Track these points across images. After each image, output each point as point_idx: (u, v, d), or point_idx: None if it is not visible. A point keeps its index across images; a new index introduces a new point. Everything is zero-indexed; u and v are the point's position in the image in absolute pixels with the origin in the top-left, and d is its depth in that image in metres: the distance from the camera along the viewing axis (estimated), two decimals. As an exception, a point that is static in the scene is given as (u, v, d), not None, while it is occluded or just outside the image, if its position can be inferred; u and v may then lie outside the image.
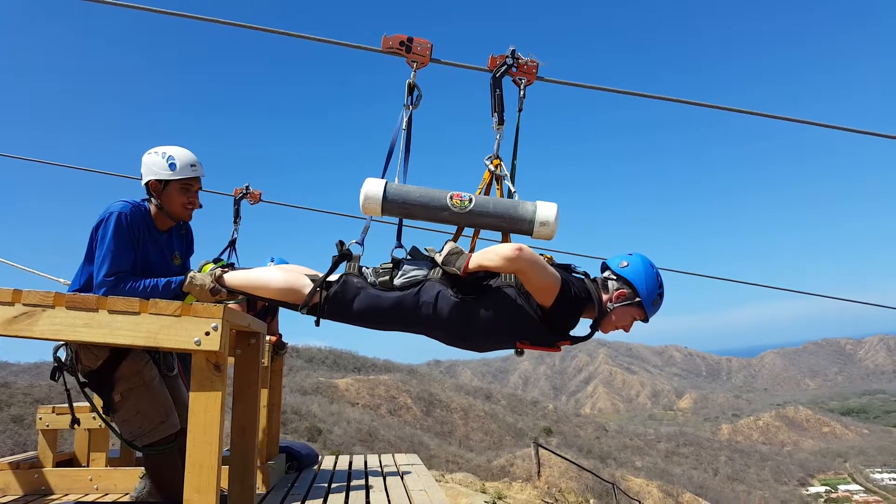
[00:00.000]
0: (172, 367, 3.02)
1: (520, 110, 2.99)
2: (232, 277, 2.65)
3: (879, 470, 71.30)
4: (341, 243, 2.62)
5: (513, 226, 2.65)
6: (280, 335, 4.98)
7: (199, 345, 2.08)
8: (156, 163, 2.88)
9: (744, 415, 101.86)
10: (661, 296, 2.60)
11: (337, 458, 5.75)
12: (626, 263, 2.60)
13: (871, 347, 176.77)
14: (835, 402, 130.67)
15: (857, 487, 65.92)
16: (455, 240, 2.74)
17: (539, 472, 11.81)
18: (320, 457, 5.61)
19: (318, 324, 2.57)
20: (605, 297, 2.57)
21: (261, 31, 3.39)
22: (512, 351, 2.61)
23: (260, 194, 5.36)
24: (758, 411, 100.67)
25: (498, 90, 2.95)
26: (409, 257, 2.69)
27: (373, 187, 2.60)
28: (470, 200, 2.62)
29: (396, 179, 2.75)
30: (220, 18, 3.58)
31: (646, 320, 2.61)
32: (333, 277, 2.57)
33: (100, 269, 2.67)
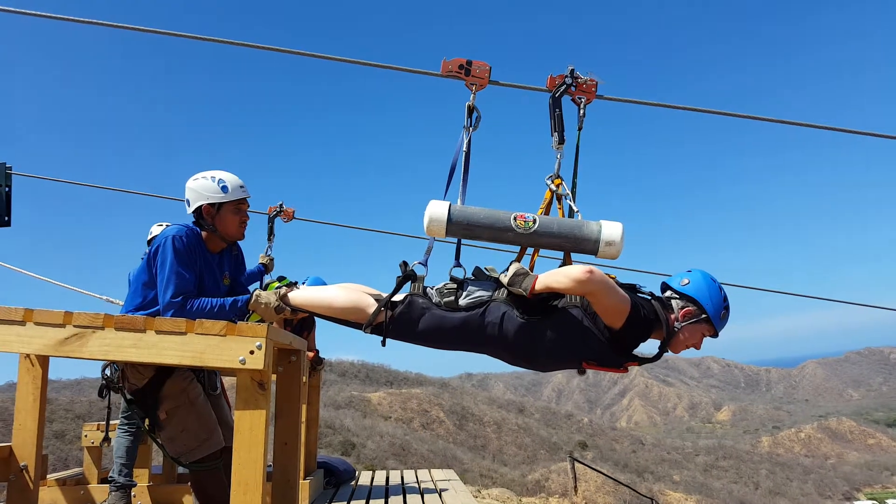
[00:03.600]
0: (216, 385, 3.09)
1: (580, 129, 3.03)
2: (297, 296, 2.70)
3: (930, 484, 68.56)
4: (405, 264, 2.67)
5: (578, 246, 2.66)
6: (317, 351, 5.04)
7: (243, 363, 2.12)
8: (207, 187, 2.94)
9: (784, 427, 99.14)
10: (727, 309, 2.60)
11: (374, 474, 5.76)
12: (687, 281, 2.60)
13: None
14: (880, 413, 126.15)
15: (906, 502, 63.38)
16: (518, 260, 2.75)
17: (576, 486, 11.63)
18: (357, 472, 5.63)
19: (384, 343, 2.59)
20: (671, 316, 2.57)
21: (321, 58, 3.48)
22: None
23: (293, 212, 5.46)
24: (799, 423, 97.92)
25: (557, 110, 2.98)
26: (471, 277, 2.71)
27: (437, 209, 2.62)
28: (534, 221, 2.65)
29: (459, 201, 2.78)
30: (282, 48, 3.69)
31: (715, 335, 2.60)
32: (398, 297, 2.60)
33: (165, 291, 2.73)
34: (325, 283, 4.54)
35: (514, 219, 2.64)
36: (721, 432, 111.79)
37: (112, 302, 5.88)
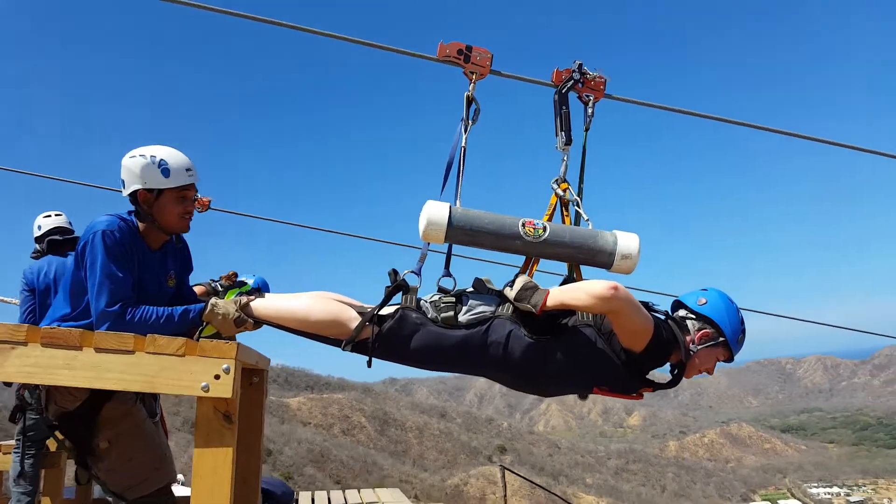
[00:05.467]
0: (156, 410, 2.65)
1: (587, 129, 2.81)
2: (261, 306, 2.33)
3: (816, 485, 73.68)
4: (395, 272, 2.36)
5: (590, 258, 2.44)
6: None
7: (206, 391, 1.79)
8: (145, 169, 2.41)
9: (690, 432, 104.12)
10: (744, 332, 2.39)
11: (314, 495, 5.38)
12: (704, 301, 2.38)
13: (810, 367, 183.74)
14: (775, 420, 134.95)
15: (795, 502, 67.88)
16: (525, 272, 2.49)
17: (505, 496, 11.51)
18: (294, 494, 5.23)
19: (370, 364, 2.28)
20: (687, 338, 2.34)
21: (293, 28, 3.04)
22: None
23: (209, 201, 4.95)
24: (703, 428, 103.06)
25: (564, 107, 2.75)
26: (470, 290, 2.42)
27: (436, 211, 2.32)
28: (544, 229, 2.39)
29: (457, 202, 2.50)
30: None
31: (731, 360, 2.40)
32: (386, 311, 2.30)
33: (98, 299, 2.23)
34: (268, 287, 4.12)
35: (523, 225, 2.37)
36: (632, 437, 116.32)
37: (5, 302, 5.05)
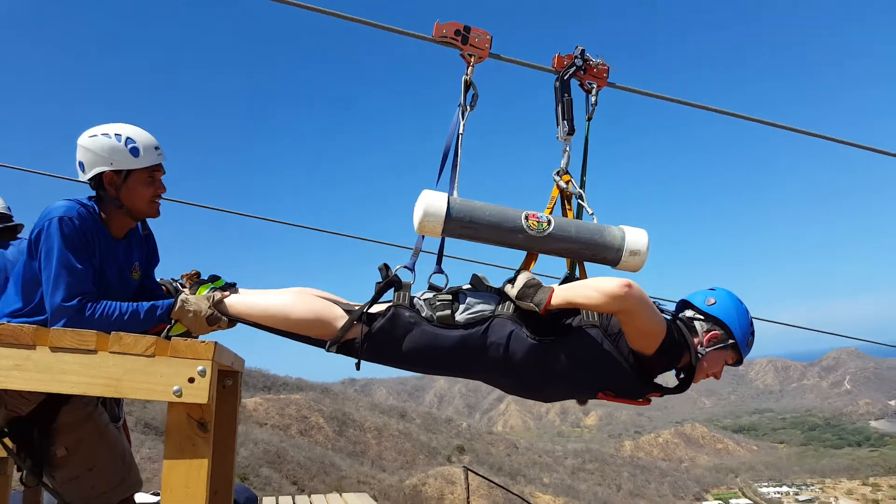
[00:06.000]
0: (118, 415, 2.45)
1: (589, 119, 2.67)
2: (237, 303, 2.15)
3: (766, 484, 75.96)
4: (386, 267, 2.20)
5: (597, 254, 2.32)
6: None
7: (179, 395, 1.62)
8: (110, 148, 2.21)
9: (645, 432, 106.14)
10: (753, 334, 2.30)
11: (278, 500, 5.17)
12: (713, 301, 2.28)
13: (761, 369, 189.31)
14: (728, 420, 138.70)
15: (746, 501, 69.88)
16: (527, 268, 2.35)
17: (468, 497, 11.46)
18: (258, 499, 5.02)
19: (358, 366, 2.13)
20: (695, 340, 2.24)
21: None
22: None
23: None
24: (658, 428, 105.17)
25: (567, 94, 2.61)
26: (468, 287, 2.27)
27: (434, 202, 2.16)
28: (549, 223, 2.26)
29: (455, 193, 2.33)
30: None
31: (740, 363, 2.29)
32: (376, 309, 2.15)
33: (53, 293, 2.02)
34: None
35: (526, 218, 2.24)
36: (588, 436, 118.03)
37: None
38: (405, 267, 2.25)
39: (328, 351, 2.11)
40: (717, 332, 2.24)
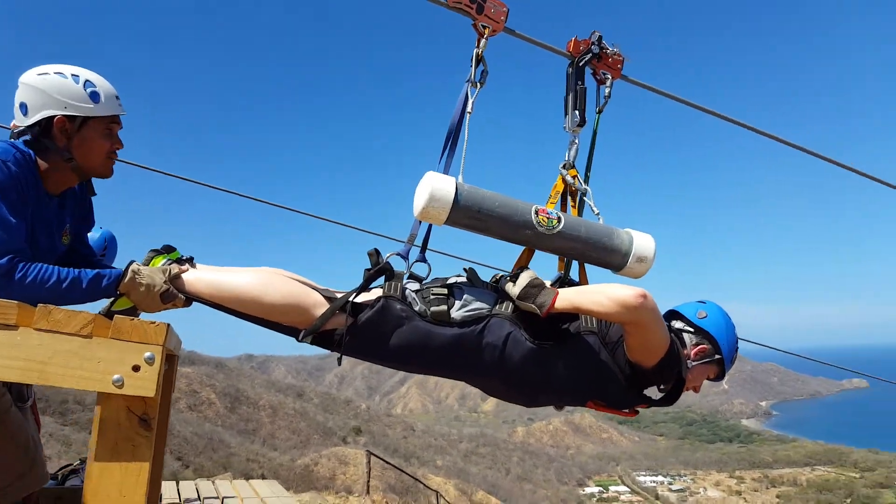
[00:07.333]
0: (26, 395, 2.13)
1: (600, 112, 2.51)
2: (197, 279, 1.89)
3: (644, 473, 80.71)
4: (377, 252, 2.02)
5: (603, 257, 2.19)
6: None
7: (120, 386, 1.38)
8: (65, 89, 1.89)
9: (537, 419, 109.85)
10: (737, 350, 2.25)
11: (178, 485, 4.89)
12: (704, 314, 2.22)
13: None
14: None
15: (624, 489, 74.11)
16: (526, 265, 2.19)
17: (368, 484, 11.38)
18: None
19: (340, 362, 1.97)
20: (683, 352, 2.16)
21: None
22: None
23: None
24: (549, 416, 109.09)
25: (580, 82, 2.43)
26: (465, 281, 2.11)
27: (441, 186, 1.95)
28: (559, 220, 2.10)
29: (460, 177, 2.11)
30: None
31: (721, 379, 2.25)
32: (363, 298, 1.96)
33: None
34: (115, 241, 3.54)
35: (536, 213, 2.07)
36: (484, 421, 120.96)
37: None
38: (398, 254, 2.07)
39: (301, 341, 1.91)
40: (705, 346, 2.20)
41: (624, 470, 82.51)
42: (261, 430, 53.66)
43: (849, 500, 63.85)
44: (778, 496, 68.35)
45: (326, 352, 2.07)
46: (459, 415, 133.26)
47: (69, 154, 1.94)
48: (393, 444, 64.24)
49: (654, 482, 76.29)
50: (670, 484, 75.44)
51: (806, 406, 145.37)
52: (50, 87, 1.90)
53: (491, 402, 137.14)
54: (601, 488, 73.49)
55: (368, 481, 11.40)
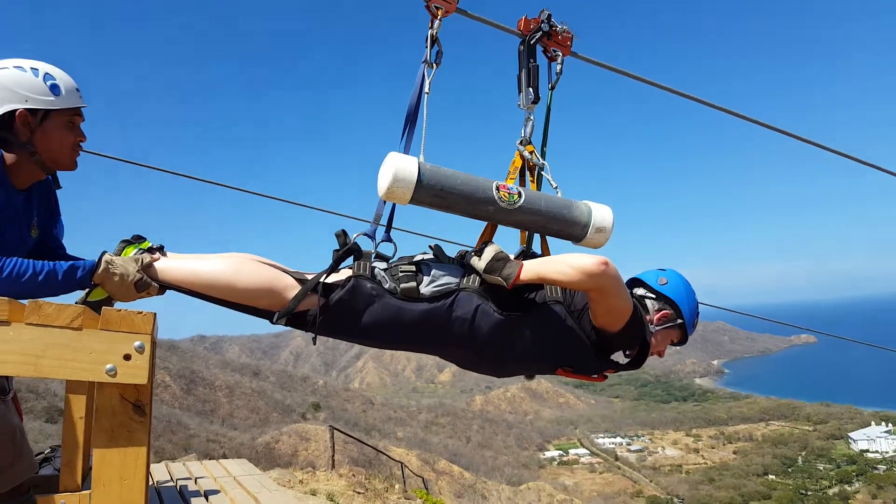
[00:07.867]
0: (7, 387, 2.08)
1: (552, 88, 2.59)
2: (170, 268, 1.94)
3: (602, 435, 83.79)
4: (344, 233, 2.08)
5: (563, 229, 2.28)
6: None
7: (113, 375, 1.43)
8: (25, 83, 1.92)
9: (495, 387, 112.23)
10: (698, 315, 2.40)
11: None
12: (665, 280, 2.34)
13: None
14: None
15: (584, 451, 76.78)
16: (489, 239, 2.29)
17: (333, 459, 11.24)
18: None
19: (315, 341, 2.01)
20: (646, 318, 2.28)
21: None
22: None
23: None
24: (507, 384, 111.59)
25: (532, 60, 2.52)
26: (432, 258, 2.18)
27: (404, 166, 2.02)
28: (519, 195, 2.19)
29: (422, 156, 2.18)
30: None
31: (685, 342, 2.38)
32: (333, 278, 2.01)
33: None
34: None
35: (497, 189, 2.15)
36: (442, 392, 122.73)
37: None
38: (365, 234, 2.16)
39: (275, 323, 1.97)
40: (667, 311, 2.31)
41: (582, 433, 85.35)
42: (219, 411, 53.01)
43: (804, 453, 67.86)
44: (735, 452, 72.09)
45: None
46: (417, 386, 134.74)
47: (32, 148, 2.00)
48: (353, 419, 64.59)
49: (612, 444, 79.24)
50: (629, 444, 78.51)
51: (757, 363, 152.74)
52: (9, 81, 1.94)
53: (448, 373, 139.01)
54: (561, 452, 75.82)
55: (333, 456, 11.30)
